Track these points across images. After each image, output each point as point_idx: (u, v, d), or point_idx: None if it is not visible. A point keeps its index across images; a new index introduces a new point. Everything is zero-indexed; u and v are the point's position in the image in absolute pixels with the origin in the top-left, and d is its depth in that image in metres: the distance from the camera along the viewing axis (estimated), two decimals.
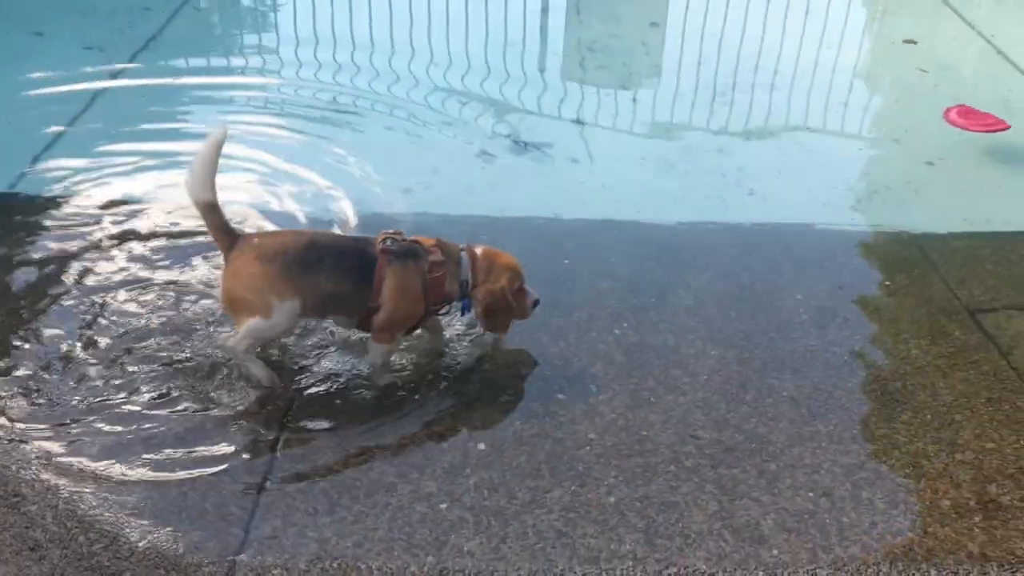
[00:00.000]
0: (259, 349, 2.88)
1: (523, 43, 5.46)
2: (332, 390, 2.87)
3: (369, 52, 5.24)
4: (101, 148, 4.11)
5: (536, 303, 2.97)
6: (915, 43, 5.74)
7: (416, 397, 2.86)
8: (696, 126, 4.61)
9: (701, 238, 3.72)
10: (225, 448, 2.62)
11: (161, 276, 3.31)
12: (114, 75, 4.81)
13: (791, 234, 3.79)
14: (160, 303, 3.17)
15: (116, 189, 3.84)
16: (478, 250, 2.90)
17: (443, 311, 2.95)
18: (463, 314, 2.98)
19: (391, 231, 2.85)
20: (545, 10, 6.05)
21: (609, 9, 6.06)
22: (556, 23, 5.96)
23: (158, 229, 3.58)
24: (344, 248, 2.82)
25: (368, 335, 2.87)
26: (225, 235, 2.70)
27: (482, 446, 2.68)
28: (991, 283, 3.51)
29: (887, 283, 3.49)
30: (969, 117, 4.70)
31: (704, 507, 2.51)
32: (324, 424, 2.74)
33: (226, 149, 2.64)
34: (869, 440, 2.77)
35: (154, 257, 3.41)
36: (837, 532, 2.45)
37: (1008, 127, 4.61)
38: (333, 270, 2.73)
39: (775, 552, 2.39)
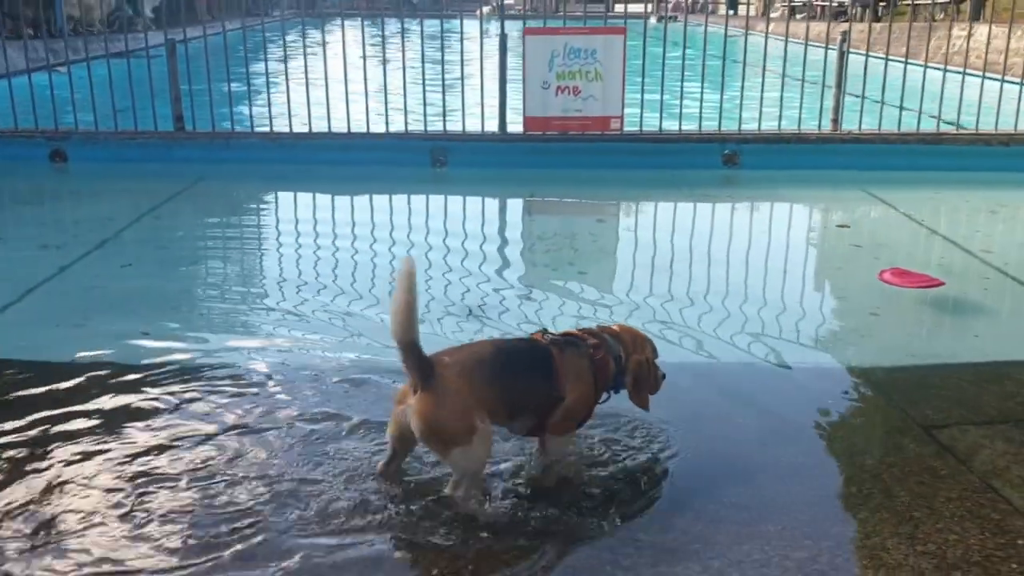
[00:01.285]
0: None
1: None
2: None
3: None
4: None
5: (663, 377, 3.03)
6: (848, 227, 6.13)
7: None
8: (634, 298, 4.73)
9: None
10: None
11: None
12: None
13: (732, 373, 3.81)
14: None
15: None
16: (615, 327, 3.00)
17: (604, 400, 2.95)
18: (616, 391, 2.95)
19: (539, 331, 2.94)
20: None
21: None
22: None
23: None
24: (523, 350, 2.86)
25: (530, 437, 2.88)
26: (422, 368, 2.59)
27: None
28: (943, 405, 3.47)
29: (839, 409, 3.46)
30: (903, 276, 4.91)
31: None
32: None
33: None
34: (823, 537, 2.63)
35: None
36: None
37: (943, 283, 4.80)
38: (522, 371, 2.76)
39: None
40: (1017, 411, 3.37)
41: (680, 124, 7.84)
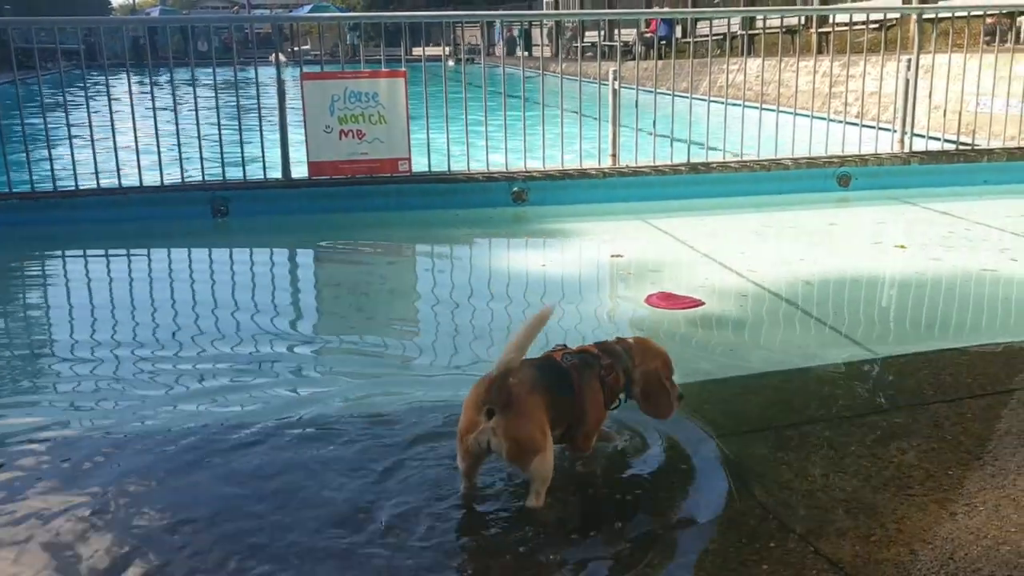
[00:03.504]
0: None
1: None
2: None
3: None
4: None
5: (681, 397, 3.14)
6: (622, 256, 6.40)
7: None
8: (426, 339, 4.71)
9: None
10: None
11: None
12: None
13: None
14: None
15: None
16: (630, 340, 3.16)
17: (615, 407, 3.11)
18: (626, 399, 3.12)
19: (560, 347, 3.08)
20: None
21: None
22: None
23: None
24: (552, 367, 2.95)
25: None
26: (504, 392, 2.73)
27: None
28: (710, 416, 3.59)
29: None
30: (669, 300, 5.20)
31: None
32: None
33: None
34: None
35: None
36: None
37: (703, 303, 5.12)
38: (559, 388, 2.88)
39: None
40: (777, 417, 3.56)
41: (468, 164, 7.97)
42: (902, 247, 6.65)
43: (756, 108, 8.70)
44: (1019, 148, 9.12)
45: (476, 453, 2.80)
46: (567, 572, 2.54)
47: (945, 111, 9.20)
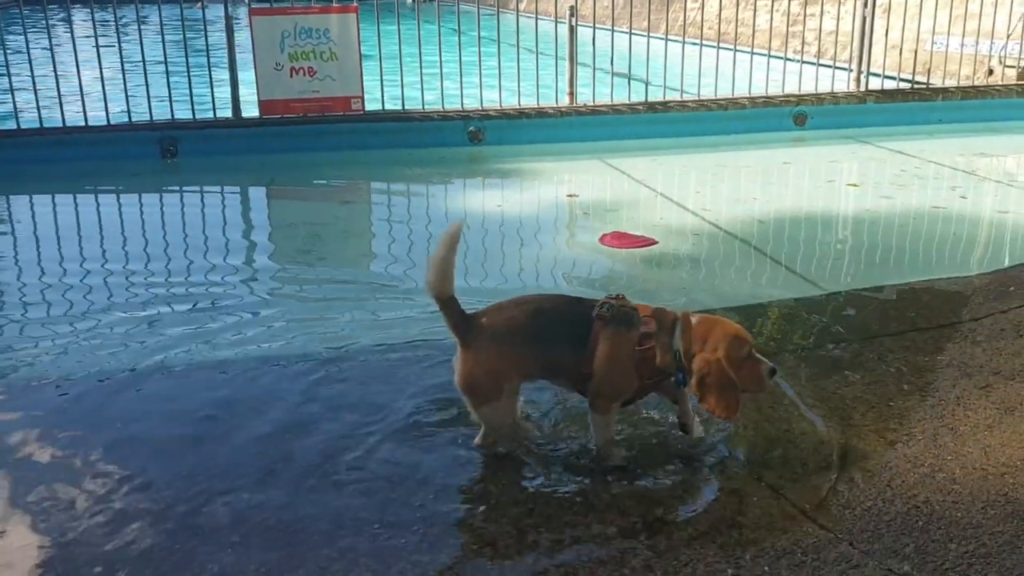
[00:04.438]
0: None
1: None
2: None
3: None
4: None
5: (773, 372, 2.66)
6: (578, 196, 6.37)
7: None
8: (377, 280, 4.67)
9: None
10: None
11: None
12: None
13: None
14: None
15: None
16: (694, 318, 2.67)
17: (662, 383, 2.76)
18: (679, 385, 2.72)
19: (614, 296, 2.75)
20: None
21: None
22: None
23: None
24: (566, 314, 2.75)
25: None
26: (462, 324, 2.69)
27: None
28: None
29: None
30: (622, 239, 5.20)
31: None
32: None
33: None
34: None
35: None
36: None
37: (656, 242, 5.13)
38: (556, 338, 2.69)
39: None
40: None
41: (423, 102, 7.84)
42: (854, 186, 6.71)
43: (714, 47, 8.64)
44: (973, 87, 9.19)
45: None
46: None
47: (901, 50, 9.20)
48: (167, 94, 7.37)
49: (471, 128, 7.77)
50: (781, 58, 8.79)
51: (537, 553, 2.35)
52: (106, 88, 7.28)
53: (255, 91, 7.37)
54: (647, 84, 8.35)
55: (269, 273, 4.81)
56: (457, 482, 2.70)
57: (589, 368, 2.66)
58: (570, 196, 6.45)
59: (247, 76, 7.47)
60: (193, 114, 7.34)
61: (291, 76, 7.31)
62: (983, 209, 6.06)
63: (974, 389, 3.09)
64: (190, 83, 7.34)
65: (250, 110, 7.46)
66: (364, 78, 7.56)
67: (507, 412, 2.76)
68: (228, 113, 7.44)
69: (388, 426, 3.01)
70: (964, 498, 2.39)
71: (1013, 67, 9.75)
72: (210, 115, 7.39)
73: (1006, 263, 4.77)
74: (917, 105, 8.81)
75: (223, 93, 7.42)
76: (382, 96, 7.70)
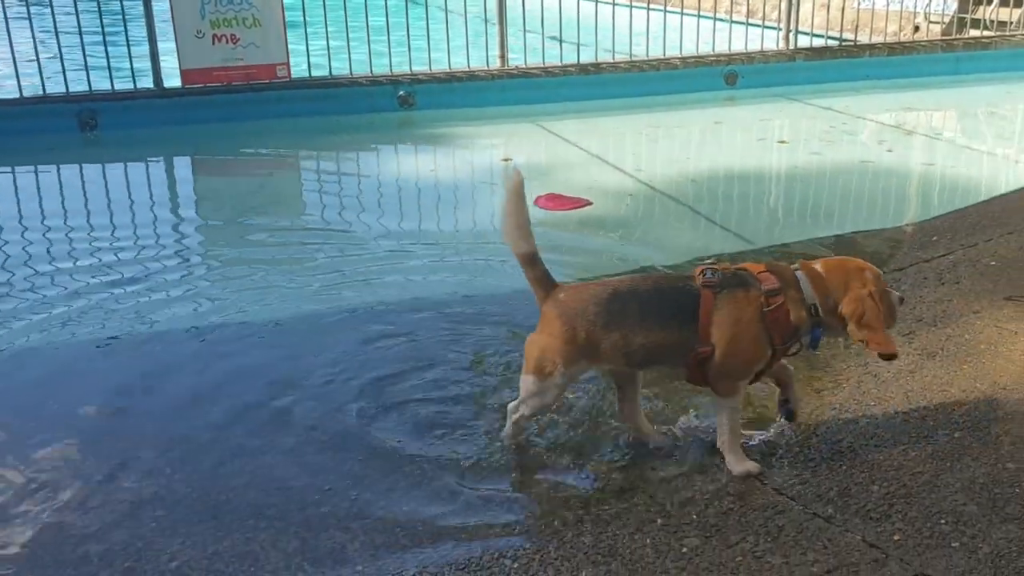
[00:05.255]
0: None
1: None
2: None
3: None
4: None
5: (901, 300, 2.52)
6: (511, 160, 6.33)
7: None
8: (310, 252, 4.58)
9: None
10: None
11: None
12: None
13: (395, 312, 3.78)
14: None
15: None
16: (816, 265, 2.43)
17: (793, 350, 2.44)
18: (814, 347, 2.48)
19: (709, 261, 2.52)
20: None
21: None
22: None
23: None
24: (656, 290, 2.49)
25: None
26: (543, 287, 2.52)
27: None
28: None
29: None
30: (556, 201, 5.17)
31: (284, 548, 2.24)
32: None
33: None
34: None
35: None
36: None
37: (591, 203, 5.11)
38: (642, 318, 2.39)
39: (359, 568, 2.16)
40: None
41: (351, 67, 7.68)
42: (785, 143, 6.77)
43: (645, 8, 8.61)
44: (899, 43, 9.32)
45: None
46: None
47: (829, 7, 9.29)
48: (83, 64, 7.09)
49: (401, 93, 7.64)
50: (712, 18, 8.81)
51: (450, 515, 2.34)
52: (16, 59, 6.96)
53: (176, 60, 7.13)
54: (579, 46, 8.30)
55: (195, 244, 4.69)
56: (386, 447, 2.67)
57: (707, 344, 2.36)
58: (505, 160, 6.41)
59: (168, 45, 7.23)
60: (112, 85, 7.08)
61: (213, 44, 7.08)
62: (909, 162, 6.18)
63: (898, 336, 3.14)
64: (107, 52, 7.07)
65: (172, 80, 7.22)
66: (289, 44, 7.37)
67: (552, 396, 2.52)
68: (149, 83, 7.19)
69: (311, 393, 2.98)
70: (886, 441, 2.43)
71: (938, 23, 9.93)
72: (130, 86, 7.13)
73: (931, 214, 4.86)
74: (845, 62, 8.91)
75: (143, 63, 7.17)
76: (308, 62, 7.52)
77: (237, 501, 2.44)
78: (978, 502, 2.12)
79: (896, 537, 2.04)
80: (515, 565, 2.06)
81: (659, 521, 2.20)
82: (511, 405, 2.61)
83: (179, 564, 2.19)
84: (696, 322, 2.35)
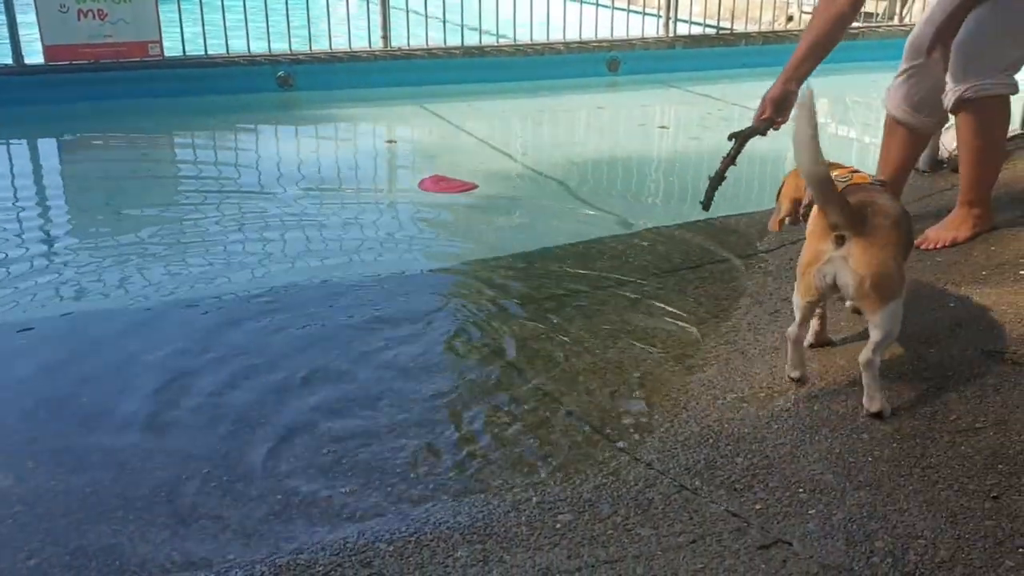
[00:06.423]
0: None
1: None
2: None
3: None
4: None
5: None
6: (395, 142, 6.28)
7: None
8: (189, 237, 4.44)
9: None
10: None
11: None
12: None
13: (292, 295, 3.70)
14: None
15: None
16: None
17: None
18: None
19: (851, 170, 2.58)
20: None
21: None
22: None
23: None
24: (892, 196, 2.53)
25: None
26: (855, 210, 2.30)
27: None
28: (496, 296, 3.61)
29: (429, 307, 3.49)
30: (441, 183, 5.17)
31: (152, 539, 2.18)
32: None
33: None
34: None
35: None
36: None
37: (476, 186, 5.13)
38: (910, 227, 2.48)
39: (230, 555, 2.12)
40: (546, 289, 3.64)
41: (227, 46, 7.45)
42: (664, 128, 6.94)
43: None
44: (773, 32, 9.65)
45: (822, 288, 2.39)
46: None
47: None
48: None
49: (280, 73, 7.46)
50: (595, 4, 8.92)
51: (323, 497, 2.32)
52: None
53: (39, 35, 6.77)
54: (463, 27, 8.28)
55: (64, 231, 4.48)
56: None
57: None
58: (389, 142, 6.35)
59: (28, 18, 6.85)
60: None
61: (79, 19, 6.75)
62: (781, 147, 6.38)
63: (765, 315, 3.28)
64: None
65: (34, 56, 6.85)
66: (162, 21, 7.09)
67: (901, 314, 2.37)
68: (8, 60, 6.80)
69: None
70: (751, 415, 2.53)
71: (810, 13, 10.32)
72: None
73: None
74: (722, 50, 9.18)
75: (1, 38, 6.78)
76: (183, 41, 7.26)
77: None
78: (834, 471, 2.23)
79: (758, 506, 2.13)
80: (390, 548, 2.06)
81: (534, 499, 2.23)
82: (862, 357, 2.37)
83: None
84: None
